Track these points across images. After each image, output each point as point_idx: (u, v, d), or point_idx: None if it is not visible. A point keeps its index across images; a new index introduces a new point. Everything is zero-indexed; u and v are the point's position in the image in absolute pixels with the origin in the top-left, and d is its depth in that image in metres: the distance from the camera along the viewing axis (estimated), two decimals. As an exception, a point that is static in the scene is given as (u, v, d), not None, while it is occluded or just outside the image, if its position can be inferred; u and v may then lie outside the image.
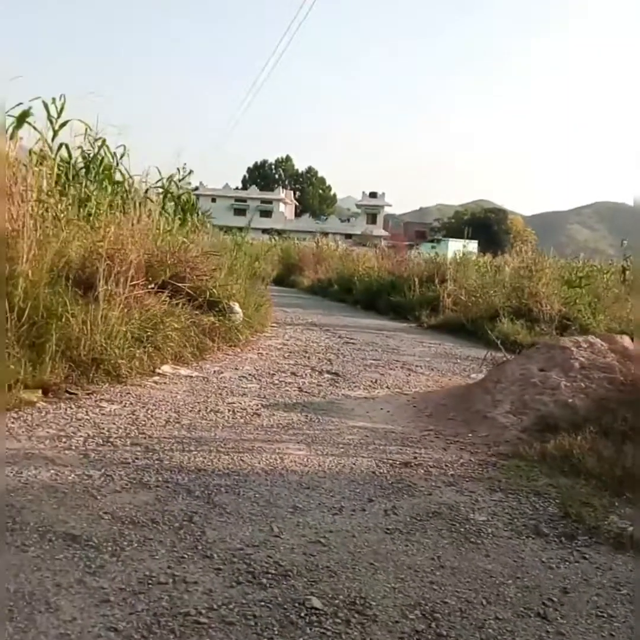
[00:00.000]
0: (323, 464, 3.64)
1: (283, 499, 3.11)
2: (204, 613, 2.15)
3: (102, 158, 9.32)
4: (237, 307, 7.54)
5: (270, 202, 70.68)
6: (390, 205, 75.22)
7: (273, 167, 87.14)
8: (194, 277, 7.22)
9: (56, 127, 8.52)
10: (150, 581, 2.32)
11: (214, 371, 6.16)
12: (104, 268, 5.89)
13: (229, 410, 4.73)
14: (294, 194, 78.79)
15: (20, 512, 2.78)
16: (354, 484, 3.38)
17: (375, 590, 2.37)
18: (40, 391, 4.66)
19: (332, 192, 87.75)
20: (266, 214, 66.90)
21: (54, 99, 8.42)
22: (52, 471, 3.27)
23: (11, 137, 7.45)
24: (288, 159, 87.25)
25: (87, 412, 4.43)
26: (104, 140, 9.28)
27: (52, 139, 8.45)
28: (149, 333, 5.87)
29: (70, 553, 2.48)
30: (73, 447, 3.69)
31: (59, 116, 8.50)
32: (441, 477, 3.59)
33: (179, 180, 12.25)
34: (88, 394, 4.86)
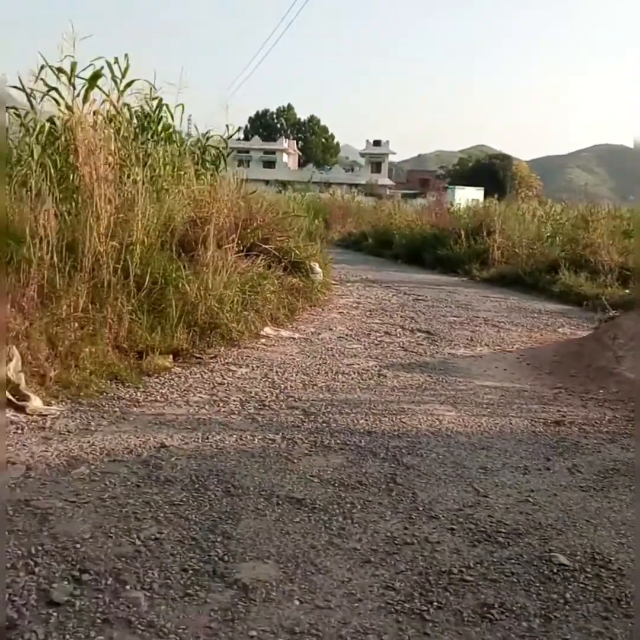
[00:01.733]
0: (481, 425, 3.75)
1: (467, 460, 3.22)
2: (465, 571, 2.28)
3: (161, 118, 9.20)
4: (317, 267, 7.59)
5: (273, 152, 69.32)
6: (394, 153, 73.54)
7: (274, 116, 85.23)
8: (276, 238, 7.24)
9: (121, 88, 8.39)
10: (396, 542, 2.44)
11: (311, 332, 6.25)
12: (205, 232, 5.94)
13: (353, 372, 4.83)
14: (297, 143, 77.29)
15: (233, 476, 2.91)
16: (522, 443, 3.49)
17: (605, 545, 2.49)
18: (171, 356, 4.77)
19: (335, 141, 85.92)
20: (269, 164, 65.71)
21: (116, 59, 8.28)
22: (234, 436, 3.39)
23: (85, 99, 7.37)
24: (290, 107, 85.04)
25: (222, 376, 4.54)
26: (160, 100, 9.13)
27: (118, 100, 8.33)
28: (251, 296, 5.95)
29: (304, 516, 2.61)
30: (236, 412, 3.80)
31: (123, 76, 8.34)
32: (598, 434, 3.69)
33: (228, 137, 12.21)
34: (211, 358, 4.97)
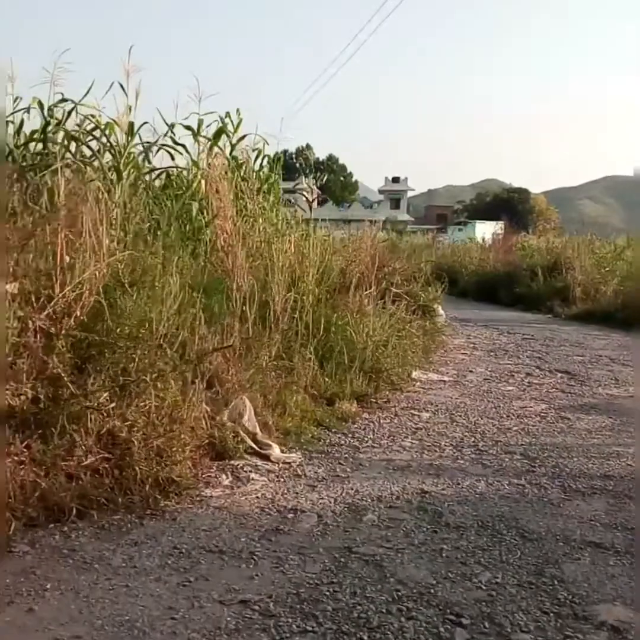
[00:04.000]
0: None
1: None
2: None
3: (262, 168, 9.52)
4: (440, 309, 7.76)
5: (293, 191, 70.63)
6: (413, 190, 74.69)
7: (294, 156, 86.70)
8: (404, 282, 7.45)
9: (233, 141, 8.72)
10: None
11: (455, 374, 6.37)
12: (353, 280, 6.17)
13: (533, 415, 4.93)
14: (316, 182, 78.48)
15: (517, 521, 3.02)
16: None
17: None
18: (355, 402, 4.93)
19: (354, 179, 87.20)
20: (288, 203, 67.09)
21: (228, 113, 8.65)
22: (482, 481, 3.51)
23: (208, 154, 7.75)
24: (308, 147, 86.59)
25: (411, 420, 4.69)
26: (260, 151, 9.44)
27: (230, 153, 8.68)
28: (401, 340, 6.12)
29: (616, 560, 2.70)
30: (460, 457, 3.93)
31: (236, 130, 8.70)
32: None
33: (317, 185, 12.64)
34: (385, 402, 5.12)
